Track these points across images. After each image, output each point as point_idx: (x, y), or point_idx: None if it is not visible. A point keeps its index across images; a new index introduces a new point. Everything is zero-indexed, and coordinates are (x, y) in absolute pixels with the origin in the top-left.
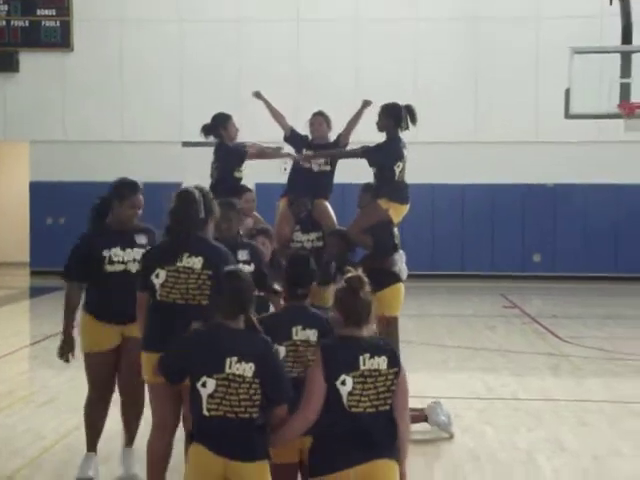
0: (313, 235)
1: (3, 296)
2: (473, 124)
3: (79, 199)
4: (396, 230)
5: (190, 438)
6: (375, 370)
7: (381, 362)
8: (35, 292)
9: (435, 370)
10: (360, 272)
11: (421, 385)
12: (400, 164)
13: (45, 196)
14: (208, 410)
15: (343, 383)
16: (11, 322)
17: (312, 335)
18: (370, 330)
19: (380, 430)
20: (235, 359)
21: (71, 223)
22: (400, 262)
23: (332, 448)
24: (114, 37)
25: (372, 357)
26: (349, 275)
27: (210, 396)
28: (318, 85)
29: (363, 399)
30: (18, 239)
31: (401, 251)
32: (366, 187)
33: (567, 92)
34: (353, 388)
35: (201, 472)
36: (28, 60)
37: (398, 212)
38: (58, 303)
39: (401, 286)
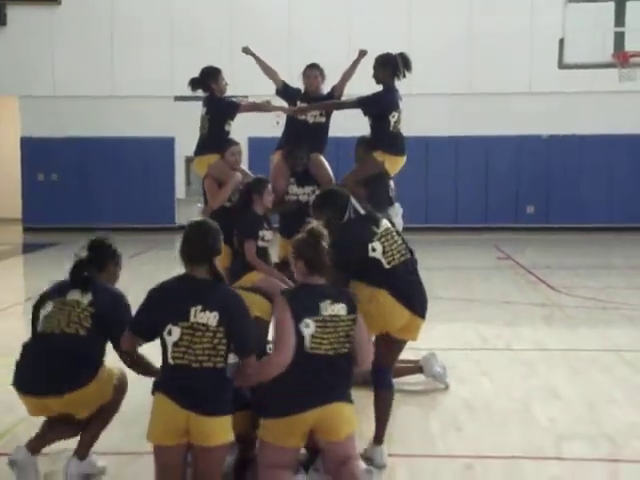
0: (308, 189)
1: None
2: (466, 76)
3: (70, 155)
4: (392, 183)
5: (152, 392)
6: (335, 316)
7: (340, 309)
8: (28, 248)
9: (430, 322)
10: (319, 224)
11: None
12: (395, 114)
13: (36, 152)
14: (173, 359)
15: (307, 326)
16: (4, 279)
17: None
18: (329, 277)
19: (337, 373)
20: (200, 307)
21: (63, 179)
22: (395, 216)
23: (289, 391)
24: None
25: (332, 304)
26: (309, 226)
27: (175, 344)
28: (310, 41)
29: (324, 342)
30: (10, 195)
31: (397, 204)
32: (361, 140)
33: (561, 42)
34: (315, 331)
35: (163, 422)
36: (16, 14)
37: (394, 164)
38: (51, 259)
39: None
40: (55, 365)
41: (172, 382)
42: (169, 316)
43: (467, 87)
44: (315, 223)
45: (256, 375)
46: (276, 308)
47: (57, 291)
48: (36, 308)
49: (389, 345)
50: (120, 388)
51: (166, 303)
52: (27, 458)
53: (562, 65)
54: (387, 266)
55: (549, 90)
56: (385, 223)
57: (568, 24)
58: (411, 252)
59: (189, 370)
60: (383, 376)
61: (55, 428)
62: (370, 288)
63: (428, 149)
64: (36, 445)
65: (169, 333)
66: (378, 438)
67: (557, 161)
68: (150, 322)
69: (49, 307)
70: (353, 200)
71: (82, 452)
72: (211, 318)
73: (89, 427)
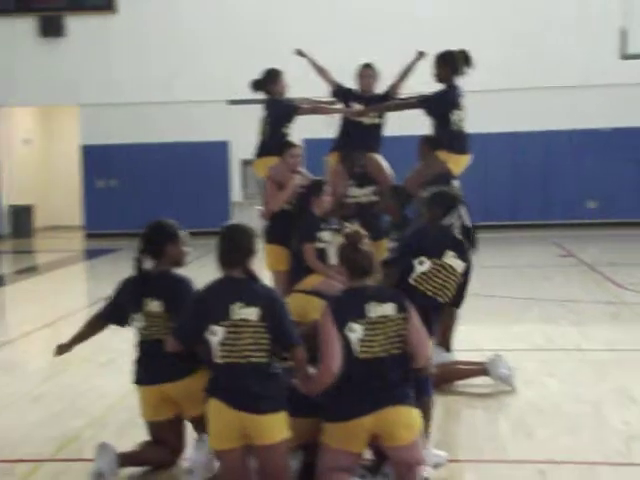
0: (369, 190)
1: (59, 259)
2: (525, 69)
3: (129, 161)
4: (457, 182)
5: (207, 395)
6: (383, 316)
7: (388, 308)
8: (90, 254)
9: (492, 322)
10: (358, 226)
11: (479, 337)
12: (457, 112)
13: (95, 159)
14: (221, 357)
15: (352, 330)
16: (68, 284)
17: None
18: (376, 279)
19: (392, 375)
20: (239, 304)
21: (121, 185)
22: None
23: (346, 396)
24: None
25: (379, 304)
26: (347, 230)
27: (221, 344)
28: (360, 41)
29: (374, 344)
30: (71, 202)
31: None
32: (424, 139)
33: (622, 32)
34: (364, 335)
35: (220, 427)
36: (74, 24)
37: (458, 163)
38: (113, 265)
39: None
40: (167, 357)
41: (221, 383)
42: (211, 317)
43: (524, 82)
44: (352, 227)
45: (309, 386)
46: (320, 315)
47: (134, 301)
48: (126, 313)
49: None
50: None
51: (206, 306)
52: (114, 470)
53: (624, 55)
54: (412, 282)
55: (610, 82)
56: (450, 257)
57: (630, 12)
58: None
59: (237, 367)
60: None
61: (152, 448)
62: None
63: (486, 145)
64: (126, 460)
65: (213, 333)
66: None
67: (619, 155)
68: (192, 328)
69: (138, 320)
70: (463, 211)
71: None
72: (252, 313)
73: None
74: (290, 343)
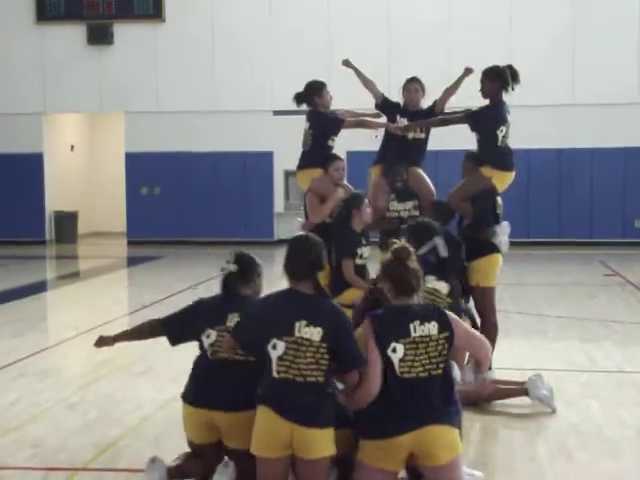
0: (410, 204)
1: (102, 265)
2: (571, 85)
3: (173, 170)
4: (500, 199)
5: (258, 401)
6: (426, 336)
7: (431, 328)
8: (132, 261)
9: (534, 341)
10: (405, 242)
11: (520, 356)
12: (503, 129)
13: (140, 167)
14: (278, 372)
15: (394, 350)
16: (110, 291)
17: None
18: (420, 297)
19: (434, 395)
20: (304, 323)
21: (164, 193)
22: (502, 234)
23: (385, 413)
24: (205, 7)
25: (422, 323)
26: (395, 246)
27: (280, 358)
28: (408, 55)
29: (415, 364)
30: (115, 209)
31: (505, 222)
32: (469, 155)
33: None
34: (405, 354)
35: (268, 435)
36: (122, 32)
37: (502, 180)
38: (155, 272)
39: (498, 257)
40: (228, 384)
41: (276, 395)
42: (274, 330)
43: (571, 97)
44: (401, 243)
45: (350, 404)
46: (362, 333)
47: (216, 316)
48: (194, 330)
49: None
50: None
51: (271, 317)
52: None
53: None
54: None
55: None
56: (431, 280)
57: None
58: None
59: (293, 384)
60: None
61: (194, 462)
62: None
63: (530, 161)
64: (173, 474)
65: (274, 347)
66: None
67: None
68: (254, 333)
69: (213, 336)
70: (438, 241)
71: None
72: (315, 333)
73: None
74: (351, 365)
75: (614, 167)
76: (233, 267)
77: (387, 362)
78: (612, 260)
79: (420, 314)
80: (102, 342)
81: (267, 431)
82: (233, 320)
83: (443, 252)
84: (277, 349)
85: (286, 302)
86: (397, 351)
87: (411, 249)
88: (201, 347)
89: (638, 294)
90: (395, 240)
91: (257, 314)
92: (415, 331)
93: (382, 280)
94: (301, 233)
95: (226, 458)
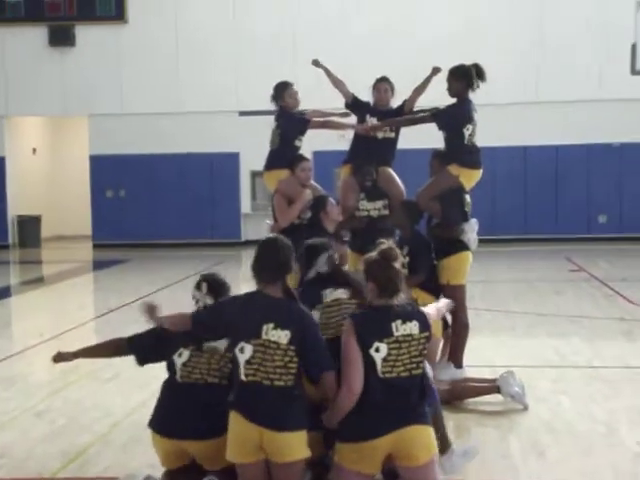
0: (379, 203)
1: (67, 270)
2: (534, 83)
3: (138, 172)
4: (468, 197)
5: (229, 406)
6: (408, 335)
7: (413, 327)
8: (98, 265)
9: (504, 337)
10: (392, 243)
11: (490, 353)
12: (470, 127)
13: (105, 169)
14: (246, 375)
15: (377, 350)
16: (76, 296)
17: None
18: (401, 298)
19: (413, 394)
20: (272, 325)
21: (130, 196)
22: (470, 232)
23: (364, 416)
24: (168, 8)
25: (404, 323)
26: (382, 247)
27: (247, 362)
28: (372, 55)
29: (397, 364)
30: (80, 212)
31: (473, 220)
32: (436, 153)
33: (633, 47)
34: (388, 354)
35: (239, 440)
36: (84, 33)
37: (470, 178)
38: (121, 276)
39: (468, 254)
40: (198, 411)
41: (244, 399)
42: (241, 333)
43: (535, 95)
44: (387, 243)
45: (334, 407)
46: (343, 333)
47: (189, 337)
48: (169, 352)
49: None
50: None
51: (238, 320)
52: None
53: (635, 71)
54: None
55: (620, 97)
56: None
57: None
58: None
59: (261, 387)
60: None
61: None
62: None
63: (495, 159)
64: None
65: (241, 350)
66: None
67: (629, 169)
68: (214, 323)
69: (185, 355)
70: (321, 259)
71: None
72: (282, 336)
73: None
74: (320, 368)
75: (578, 164)
76: (209, 299)
77: (369, 362)
78: (577, 256)
79: (401, 314)
80: (60, 358)
81: (238, 436)
82: (207, 343)
83: (322, 268)
84: (245, 352)
85: (254, 305)
86: (380, 351)
87: (397, 250)
88: (170, 368)
89: (604, 289)
90: (383, 240)
91: (224, 312)
92: (397, 330)
93: (365, 279)
94: (270, 235)
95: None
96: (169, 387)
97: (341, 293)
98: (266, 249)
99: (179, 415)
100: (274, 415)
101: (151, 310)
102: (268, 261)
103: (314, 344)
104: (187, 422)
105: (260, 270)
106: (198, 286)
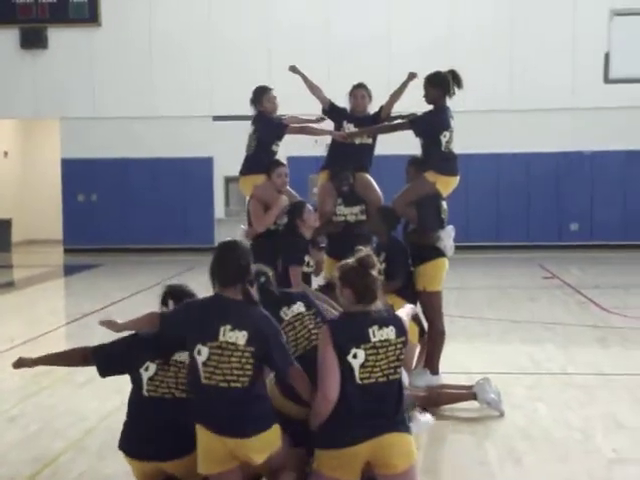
0: (357, 208)
1: (38, 274)
2: (507, 91)
3: (111, 176)
4: (444, 204)
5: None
6: (385, 340)
7: (389, 332)
8: (69, 270)
9: (479, 344)
10: (370, 250)
11: (465, 360)
12: (447, 134)
13: (76, 173)
14: (204, 378)
15: (355, 356)
16: (47, 301)
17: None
18: (378, 305)
19: (390, 400)
20: (229, 327)
21: (102, 200)
22: (447, 238)
23: (343, 423)
24: (142, 11)
25: (381, 328)
26: (360, 254)
27: (204, 364)
28: (347, 61)
29: (375, 370)
30: (51, 216)
31: (450, 227)
32: (412, 160)
33: (606, 56)
34: (365, 360)
35: (206, 452)
36: (57, 37)
37: (446, 184)
38: (93, 281)
39: (444, 261)
40: (169, 428)
41: (204, 406)
42: (198, 336)
43: (508, 103)
44: (365, 250)
45: (311, 415)
46: (319, 341)
47: (156, 350)
48: (136, 364)
49: None
50: None
51: (196, 323)
52: None
53: (608, 80)
54: None
55: (592, 106)
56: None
57: (614, 37)
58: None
59: (217, 390)
60: None
61: None
62: None
63: (468, 166)
64: None
65: (199, 353)
66: None
67: (600, 177)
68: (177, 327)
69: (152, 369)
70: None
71: None
72: (240, 337)
73: None
74: (283, 366)
75: (550, 172)
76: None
77: (347, 369)
78: (550, 263)
79: (378, 319)
80: (20, 363)
81: (204, 448)
82: (175, 355)
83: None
84: (201, 355)
85: (212, 308)
86: (358, 357)
87: (375, 258)
88: (135, 382)
89: (577, 296)
90: (361, 247)
91: (190, 313)
92: (374, 336)
93: (340, 286)
94: (229, 239)
95: None
96: (136, 403)
97: (299, 307)
98: (225, 252)
99: (150, 435)
100: (234, 422)
101: (110, 325)
102: (227, 264)
103: (275, 343)
104: (159, 442)
105: (219, 272)
106: (164, 301)
